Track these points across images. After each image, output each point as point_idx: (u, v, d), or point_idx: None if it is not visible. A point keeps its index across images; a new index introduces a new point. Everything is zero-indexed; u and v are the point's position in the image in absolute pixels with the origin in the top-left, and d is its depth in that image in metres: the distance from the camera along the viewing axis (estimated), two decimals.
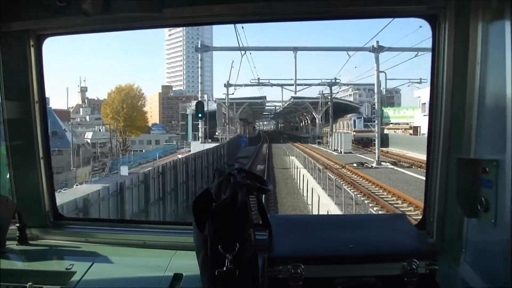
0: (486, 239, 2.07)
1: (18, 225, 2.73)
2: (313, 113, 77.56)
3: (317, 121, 76.99)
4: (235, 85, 62.06)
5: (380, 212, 18.54)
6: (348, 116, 64.24)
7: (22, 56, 2.73)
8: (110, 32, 2.88)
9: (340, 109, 71.10)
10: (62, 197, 17.73)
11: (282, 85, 63.17)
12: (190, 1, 2.43)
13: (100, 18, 2.45)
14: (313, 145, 62.10)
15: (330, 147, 53.90)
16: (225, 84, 64.68)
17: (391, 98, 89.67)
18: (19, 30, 2.66)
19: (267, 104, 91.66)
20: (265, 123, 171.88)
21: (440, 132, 2.38)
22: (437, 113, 2.39)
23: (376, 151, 37.74)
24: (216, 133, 63.67)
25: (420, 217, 2.67)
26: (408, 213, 17.47)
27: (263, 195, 2.17)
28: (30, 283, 2.21)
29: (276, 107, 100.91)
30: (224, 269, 1.70)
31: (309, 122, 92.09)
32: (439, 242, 2.43)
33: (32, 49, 2.74)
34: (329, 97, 68.93)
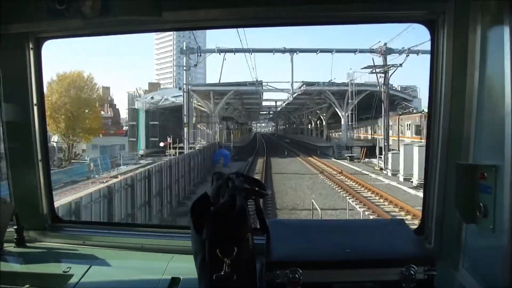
0: (485, 245, 2.07)
1: (16, 227, 2.73)
2: (337, 109, 53.47)
3: (342, 122, 52.56)
4: (201, 51, 42.31)
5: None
6: None
7: (21, 58, 2.73)
8: (109, 35, 2.88)
9: (369, 105, 45.18)
10: None
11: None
12: (189, 5, 2.44)
13: (99, 21, 2.45)
14: (342, 162, 40.44)
15: (390, 173, 31.39)
16: (181, 49, 43.97)
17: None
18: (19, 33, 2.66)
19: (264, 99, 66.90)
20: (262, 124, 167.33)
21: (439, 137, 2.38)
22: (436, 118, 2.40)
23: None
24: (161, 144, 47.14)
25: None
26: None
27: (261, 200, 2.17)
28: (28, 286, 2.20)
29: (277, 102, 74.97)
30: (222, 273, 1.71)
31: (324, 123, 67.86)
32: (437, 247, 2.43)
33: (31, 52, 2.74)
34: (381, 80, 39.50)
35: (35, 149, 2.83)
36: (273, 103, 76.99)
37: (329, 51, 43.37)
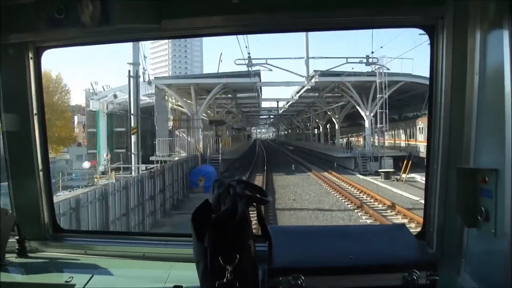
0: (486, 249, 2.07)
1: (17, 237, 2.73)
2: (358, 107, 40.84)
3: (366, 124, 40.31)
4: None
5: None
6: None
7: (21, 68, 2.73)
8: (108, 44, 2.90)
9: (399, 102, 39.08)
10: None
11: None
12: (187, 13, 2.44)
13: (98, 30, 2.45)
14: (374, 181, 29.99)
15: None
16: None
17: None
18: (18, 42, 2.67)
19: (264, 98, 52.71)
20: (263, 130, 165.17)
21: (440, 142, 2.38)
22: (436, 123, 2.40)
23: None
24: (85, 164, 35.77)
25: None
26: None
27: (263, 206, 2.17)
28: None
29: (279, 104, 58.62)
30: (225, 280, 1.70)
31: (337, 126, 54.17)
32: (439, 252, 2.42)
33: (30, 61, 2.75)
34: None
35: (36, 158, 2.84)
36: (274, 105, 63.11)
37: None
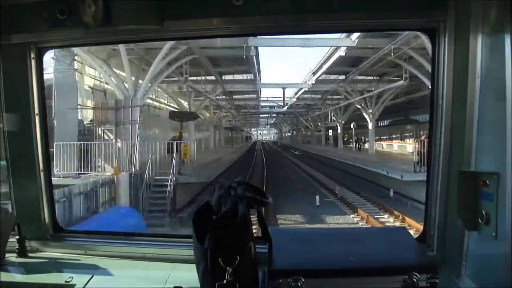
0: (487, 252, 2.06)
1: (17, 237, 2.73)
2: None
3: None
4: None
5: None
6: None
7: (23, 68, 2.74)
8: (110, 44, 2.91)
9: None
10: None
11: None
12: (190, 15, 2.45)
13: (100, 31, 2.45)
14: None
15: None
16: None
17: None
18: (20, 43, 2.68)
19: (264, 83, 41.58)
20: (264, 132, 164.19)
21: (441, 145, 2.38)
22: (437, 126, 2.40)
23: None
24: None
25: None
26: None
27: (263, 208, 2.18)
28: None
29: (286, 87, 42.33)
30: (225, 282, 1.70)
31: (370, 124, 39.03)
32: (439, 255, 2.42)
33: (32, 62, 2.76)
34: None
35: (37, 159, 2.84)
36: (278, 94, 48.88)
37: None
